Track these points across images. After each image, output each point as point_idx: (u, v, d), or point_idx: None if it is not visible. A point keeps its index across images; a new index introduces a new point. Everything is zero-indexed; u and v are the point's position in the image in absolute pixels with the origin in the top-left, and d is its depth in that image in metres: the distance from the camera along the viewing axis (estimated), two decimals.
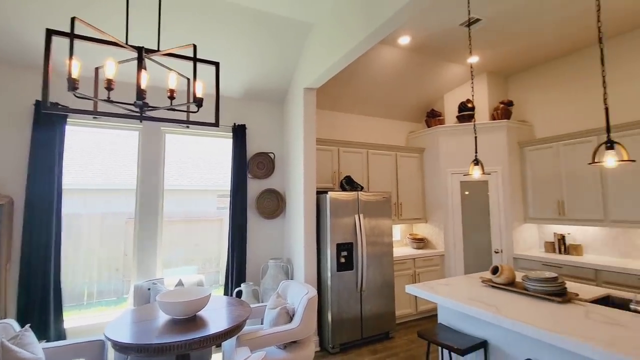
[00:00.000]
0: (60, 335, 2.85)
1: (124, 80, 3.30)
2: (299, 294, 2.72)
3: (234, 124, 3.81)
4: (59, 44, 2.86)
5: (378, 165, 4.47)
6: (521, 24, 3.42)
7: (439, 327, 2.42)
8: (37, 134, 2.86)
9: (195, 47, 1.91)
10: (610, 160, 1.73)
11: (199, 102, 1.92)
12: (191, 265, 3.75)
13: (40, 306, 2.76)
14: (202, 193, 3.94)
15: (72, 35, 1.57)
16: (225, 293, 3.63)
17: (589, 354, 1.47)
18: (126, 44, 1.73)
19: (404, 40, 3.70)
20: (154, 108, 1.78)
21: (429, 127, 4.80)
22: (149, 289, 2.97)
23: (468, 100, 4.51)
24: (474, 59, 4.19)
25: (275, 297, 2.80)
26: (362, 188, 3.84)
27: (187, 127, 3.59)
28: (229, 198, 3.69)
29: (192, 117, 3.56)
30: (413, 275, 4.20)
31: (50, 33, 1.58)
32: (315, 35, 3.26)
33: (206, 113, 3.69)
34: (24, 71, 2.97)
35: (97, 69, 1.91)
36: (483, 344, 2.15)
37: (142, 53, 1.76)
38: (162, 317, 2.29)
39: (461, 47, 3.90)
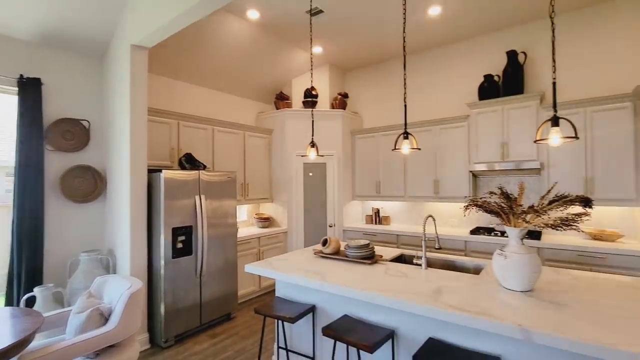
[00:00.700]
0: None
1: None
2: (119, 289, 2.30)
3: (21, 76, 2.80)
4: None
5: (225, 143, 4.26)
6: (360, 20, 3.85)
7: (276, 300, 2.54)
8: None
9: None
10: (405, 147, 2.19)
11: None
12: None
13: None
14: None
15: None
16: (10, 303, 2.73)
17: (386, 303, 1.82)
18: None
19: (253, 14, 3.56)
20: None
21: (277, 109, 4.90)
22: None
23: (312, 88, 4.83)
24: (317, 49, 4.49)
25: (85, 298, 2.27)
26: (205, 167, 3.57)
27: None
28: (14, 177, 2.73)
29: None
30: (258, 254, 4.29)
31: None
32: None
33: None
34: None
35: None
36: (312, 309, 2.38)
37: None
38: None
39: (308, 35, 4.09)
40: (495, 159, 3.74)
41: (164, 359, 2.81)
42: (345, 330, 1.96)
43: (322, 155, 3.20)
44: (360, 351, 2.18)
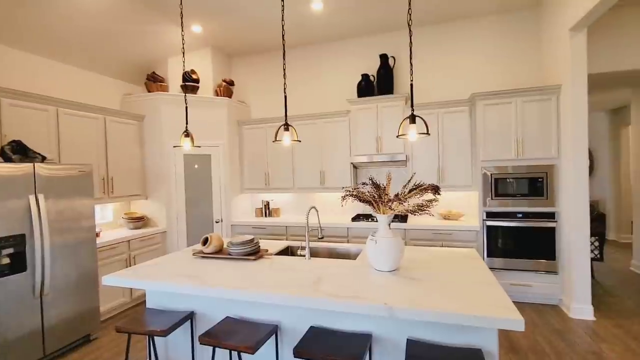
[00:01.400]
0: None
1: None
2: None
3: None
4: None
5: (78, 130, 3.46)
6: (240, 1, 3.62)
7: (147, 312, 2.20)
8: None
9: None
10: (286, 139, 2.16)
11: None
12: None
13: None
14: None
15: None
16: None
17: (266, 300, 1.75)
18: None
19: None
20: None
21: (149, 91, 4.26)
22: None
23: (192, 71, 4.38)
24: (196, 28, 4.06)
25: None
26: (44, 158, 2.82)
27: None
28: None
29: None
30: (128, 260, 3.69)
31: None
32: None
33: None
34: None
35: None
36: (190, 316, 2.15)
37: None
38: None
39: (184, 10, 3.64)
40: (372, 152, 4.12)
41: None
42: (226, 333, 1.83)
43: (199, 147, 2.92)
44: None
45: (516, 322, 1.33)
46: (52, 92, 3.55)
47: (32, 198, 2.56)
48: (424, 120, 1.91)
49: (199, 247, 2.86)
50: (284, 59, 2.21)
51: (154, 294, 2.32)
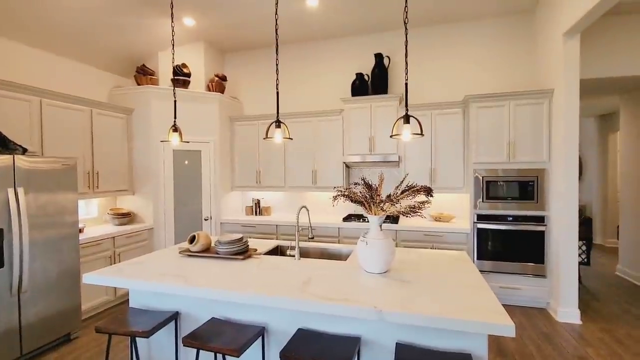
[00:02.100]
0: None
1: None
2: None
3: None
4: None
5: (62, 122, 3.35)
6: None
7: (130, 312, 2.13)
8: None
9: None
10: (278, 136, 2.11)
11: None
12: None
13: None
14: None
15: None
16: None
17: (253, 301, 1.70)
18: None
19: None
20: None
21: (139, 84, 4.15)
22: None
23: (184, 65, 4.28)
24: (189, 21, 3.97)
25: None
26: (25, 150, 2.71)
27: None
28: None
29: None
30: (112, 257, 3.59)
31: None
32: None
33: None
34: None
35: None
36: (174, 316, 2.09)
37: None
38: None
39: (177, 2, 3.55)
40: (365, 151, 4.09)
41: None
42: (211, 334, 1.77)
43: (187, 142, 2.84)
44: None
45: (507, 327, 1.31)
46: (36, 82, 3.43)
47: (10, 191, 2.46)
48: (418, 120, 1.88)
49: (186, 245, 2.79)
50: (277, 54, 2.16)
51: (138, 293, 2.25)
